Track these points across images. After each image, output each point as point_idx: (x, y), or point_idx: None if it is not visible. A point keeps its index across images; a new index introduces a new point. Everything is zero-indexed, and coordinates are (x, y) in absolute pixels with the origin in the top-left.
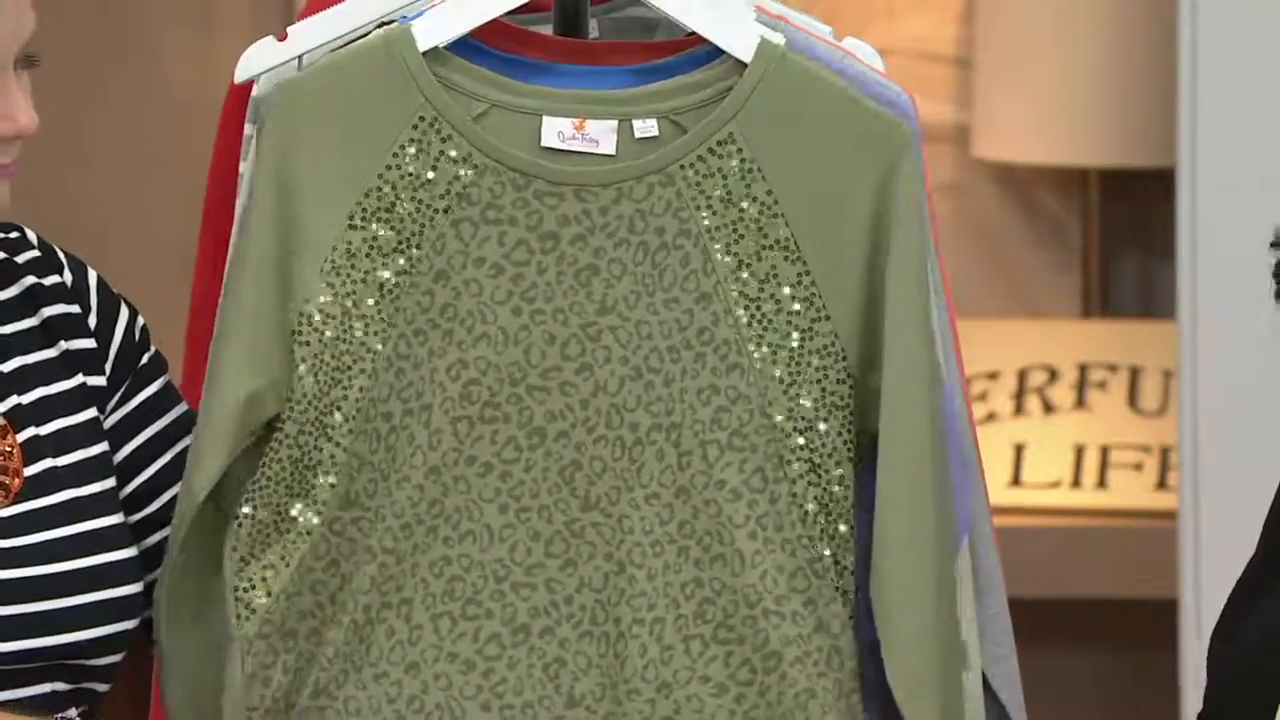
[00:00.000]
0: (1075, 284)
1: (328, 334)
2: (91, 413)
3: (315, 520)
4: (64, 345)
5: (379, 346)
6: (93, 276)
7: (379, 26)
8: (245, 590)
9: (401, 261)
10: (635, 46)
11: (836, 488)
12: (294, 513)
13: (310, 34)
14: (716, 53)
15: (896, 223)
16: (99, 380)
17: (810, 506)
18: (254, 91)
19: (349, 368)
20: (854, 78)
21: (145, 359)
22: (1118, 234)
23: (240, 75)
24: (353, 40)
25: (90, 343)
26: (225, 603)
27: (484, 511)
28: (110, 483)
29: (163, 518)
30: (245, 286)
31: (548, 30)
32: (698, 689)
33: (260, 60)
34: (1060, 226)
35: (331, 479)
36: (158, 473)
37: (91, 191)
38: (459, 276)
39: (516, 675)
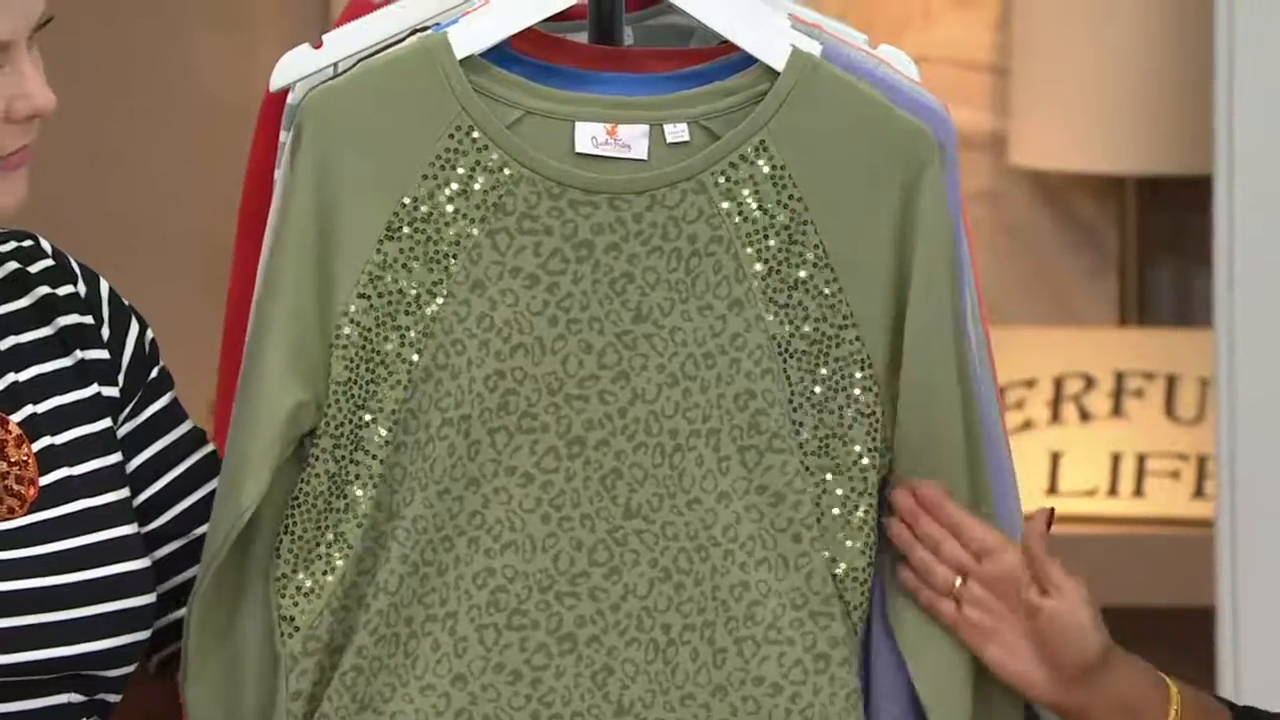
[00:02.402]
0: (1112, 291)
1: (364, 345)
2: (106, 423)
3: (356, 534)
4: (79, 355)
5: (415, 357)
6: (105, 288)
7: (413, 34)
8: (289, 607)
9: (438, 272)
10: (669, 53)
11: (859, 495)
12: (336, 527)
13: (346, 41)
14: (750, 60)
15: (922, 229)
16: (112, 391)
17: (844, 506)
18: (289, 98)
19: (385, 379)
20: (888, 85)
21: (155, 372)
22: (1154, 241)
23: (276, 82)
24: (388, 47)
25: (104, 353)
26: (254, 619)
27: (526, 522)
28: (124, 493)
29: (170, 532)
30: (284, 298)
31: (583, 38)
32: (753, 690)
33: (296, 67)
34: (1096, 234)
35: (370, 492)
36: (166, 487)
37: (128, 197)
38: (495, 287)
39: (564, 685)
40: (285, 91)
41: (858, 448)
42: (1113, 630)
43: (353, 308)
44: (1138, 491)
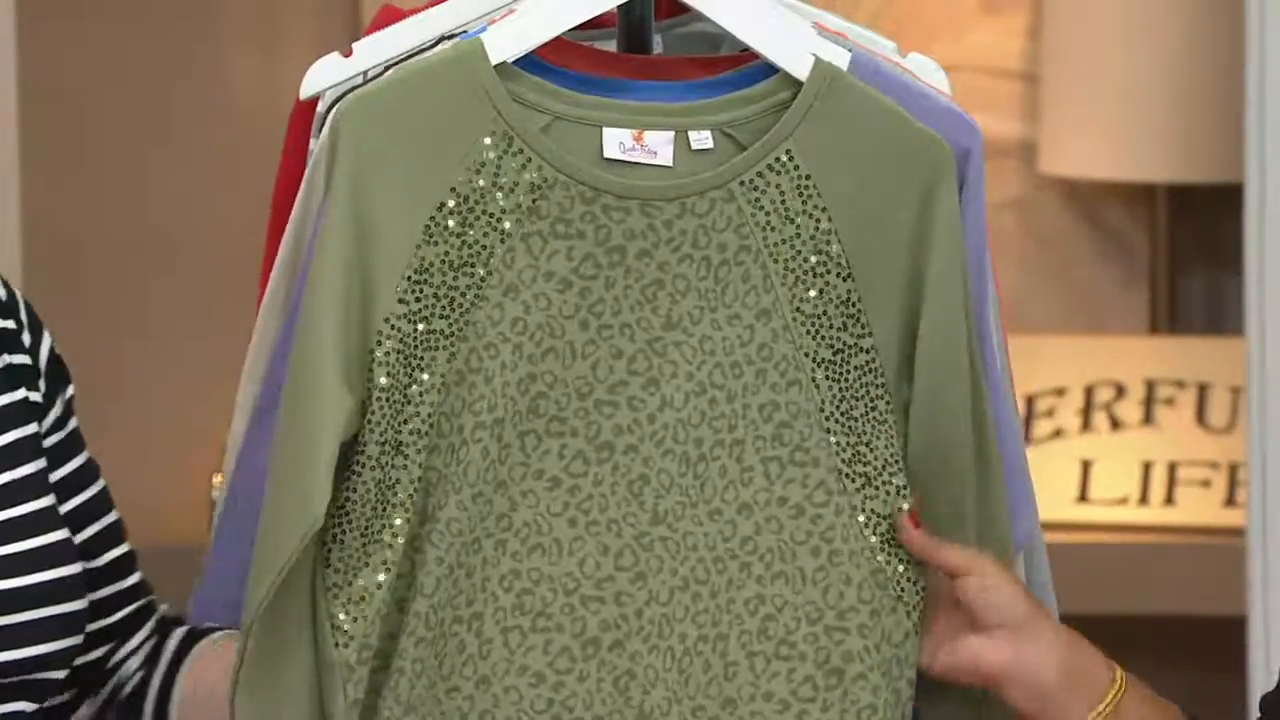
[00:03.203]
0: (1142, 300)
1: (403, 350)
2: (34, 427)
3: (400, 539)
4: (6, 359)
5: (450, 361)
6: (19, 294)
7: (442, 41)
8: (342, 617)
9: (473, 275)
10: (698, 61)
11: (894, 497)
12: (381, 533)
13: (375, 50)
14: (773, 70)
15: (937, 240)
16: (36, 396)
17: (869, 518)
18: (319, 106)
19: (422, 382)
20: (916, 93)
21: (70, 390)
22: (1185, 249)
23: (305, 91)
24: (417, 55)
25: (27, 359)
26: (300, 630)
27: (553, 525)
28: (53, 498)
29: (87, 549)
30: (332, 308)
31: (612, 46)
32: (761, 705)
33: (325, 76)
34: (1127, 242)
35: (410, 496)
36: (80, 506)
37: (158, 205)
38: (529, 290)
39: (586, 689)
40: (315, 99)
41: (879, 460)
42: (1143, 640)
43: (393, 313)
44: (1169, 500)
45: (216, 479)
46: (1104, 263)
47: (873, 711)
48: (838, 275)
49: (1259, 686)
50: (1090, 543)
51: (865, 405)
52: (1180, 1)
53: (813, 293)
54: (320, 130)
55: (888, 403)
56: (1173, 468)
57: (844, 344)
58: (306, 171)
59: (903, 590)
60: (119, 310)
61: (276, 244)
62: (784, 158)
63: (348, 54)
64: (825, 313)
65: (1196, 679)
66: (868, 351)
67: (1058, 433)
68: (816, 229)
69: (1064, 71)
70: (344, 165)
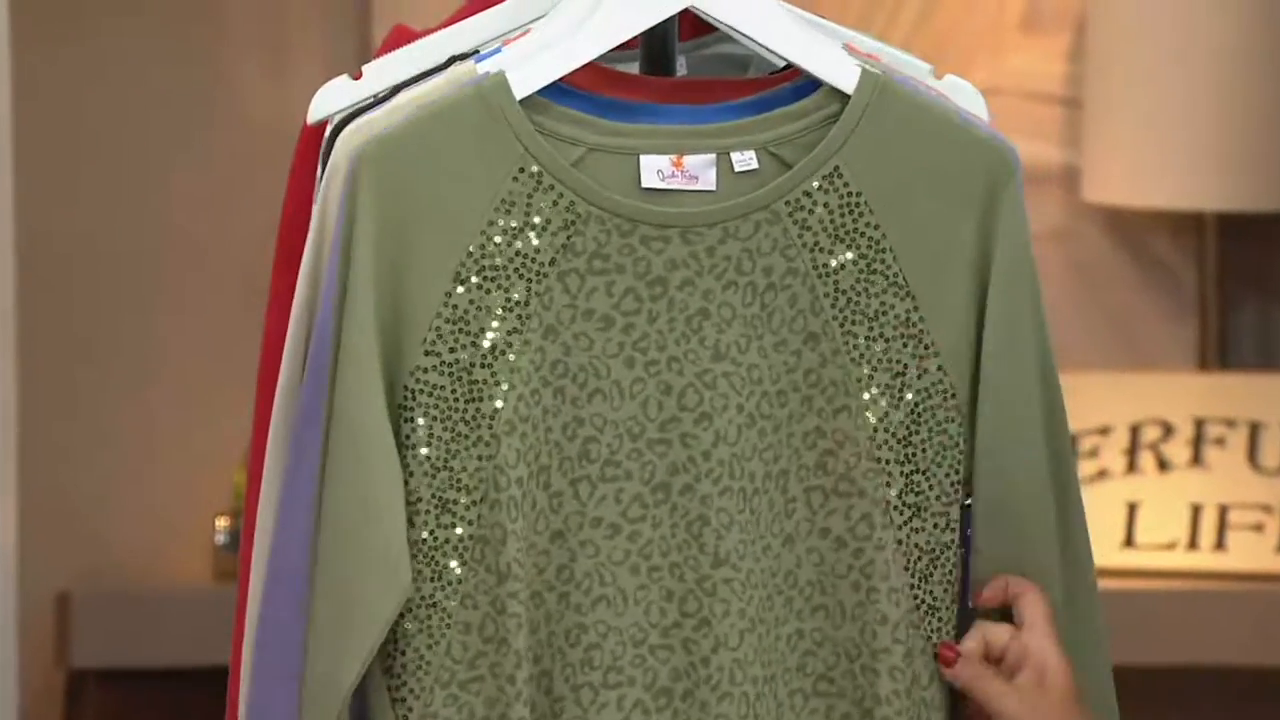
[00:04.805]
0: (1191, 334)
1: (438, 404)
2: None
3: (453, 604)
4: None
5: (495, 408)
6: None
7: (451, 61)
8: (398, 687)
9: (509, 320)
10: (734, 83)
11: (942, 531)
12: (429, 599)
13: (385, 72)
14: (813, 86)
15: (1001, 249)
16: None
17: (910, 553)
18: (328, 130)
19: (464, 436)
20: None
21: None
22: (1235, 281)
23: (313, 115)
24: (428, 75)
25: None
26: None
27: (615, 575)
28: None
29: None
30: (375, 366)
31: (633, 68)
32: None
33: (334, 99)
34: (1174, 274)
35: (461, 557)
36: None
37: (167, 226)
38: (568, 331)
39: None
40: (324, 124)
41: (935, 489)
42: (1193, 690)
43: (420, 365)
44: (1219, 545)
45: (219, 521)
46: (1150, 295)
47: None
48: (895, 295)
49: None
50: (1137, 590)
51: (929, 429)
52: (1229, 22)
53: (868, 314)
54: (326, 155)
55: (959, 425)
56: (1223, 511)
57: (904, 366)
58: (315, 209)
59: (933, 632)
60: (118, 348)
61: (285, 266)
62: (832, 175)
63: (357, 76)
64: (882, 334)
65: None
66: (935, 371)
67: (1102, 474)
68: (870, 247)
69: (1108, 95)
70: (364, 219)
